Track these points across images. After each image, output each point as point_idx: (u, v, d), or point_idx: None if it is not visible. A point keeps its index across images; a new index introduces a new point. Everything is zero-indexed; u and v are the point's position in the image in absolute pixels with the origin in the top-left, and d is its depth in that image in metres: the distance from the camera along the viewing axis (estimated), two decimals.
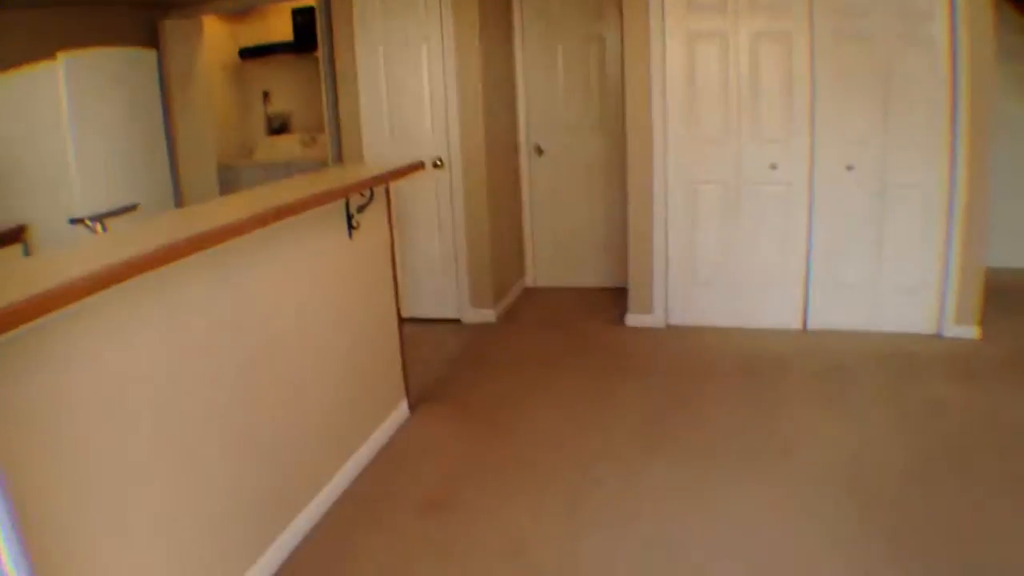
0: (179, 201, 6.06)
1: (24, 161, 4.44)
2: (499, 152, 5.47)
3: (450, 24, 4.99)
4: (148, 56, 4.84)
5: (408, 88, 5.19)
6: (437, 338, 5.14)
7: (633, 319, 5.11)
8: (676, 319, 5.07)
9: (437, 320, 5.46)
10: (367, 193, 3.44)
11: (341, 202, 3.33)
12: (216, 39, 7.34)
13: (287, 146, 7.48)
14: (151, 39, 6.12)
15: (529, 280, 6.14)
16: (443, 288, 5.45)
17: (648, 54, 4.77)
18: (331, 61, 5.45)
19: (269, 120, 7.78)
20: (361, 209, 3.45)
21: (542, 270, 6.13)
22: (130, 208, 4.63)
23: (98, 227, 2.83)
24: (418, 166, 3.72)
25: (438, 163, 5.18)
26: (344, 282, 3.42)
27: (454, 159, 5.18)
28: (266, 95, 7.75)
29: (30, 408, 1.74)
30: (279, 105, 7.73)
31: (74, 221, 4.32)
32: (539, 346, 4.91)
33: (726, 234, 4.92)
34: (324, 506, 3.12)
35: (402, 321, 3.98)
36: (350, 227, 3.42)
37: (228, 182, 7.19)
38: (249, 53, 7.41)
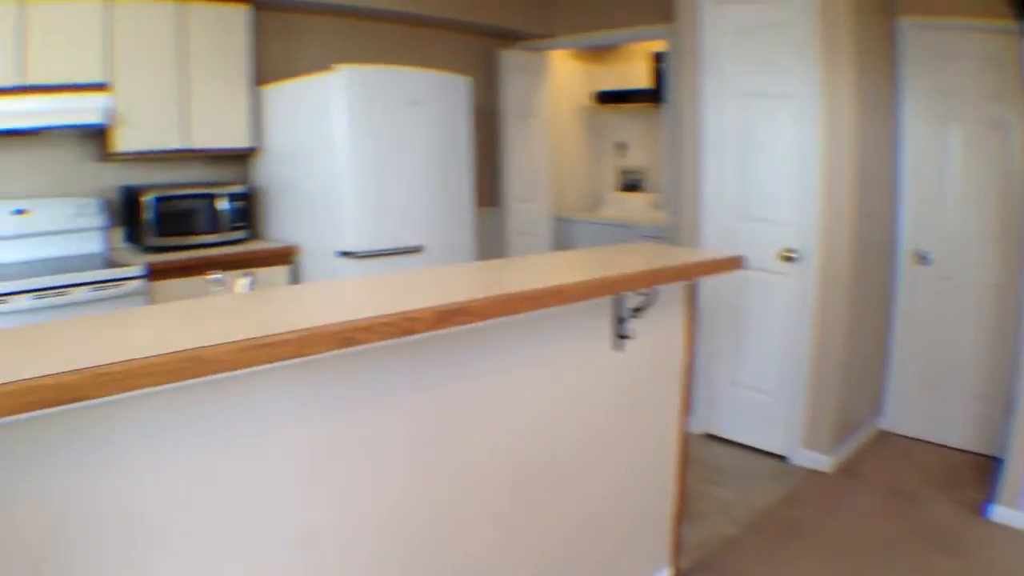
0: (485, 250, 5.55)
1: (300, 177, 4.21)
2: (869, 252, 4.12)
3: (817, 81, 3.80)
4: (456, 83, 4.34)
5: (760, 156, 4.08)
6: (747, 477, 3.95)
7: (999, 512, 3.51)
8: None
9: (755, 450, 4.28)
10: (648, 292, 2.48)
11: (607, 300, 2.41)
12: (571, 78, 6.84)
13: (636, 206, 6.73)
14: (488, 68, 5.76)
15: (885, 421, 4.64)
16: (769, 412, 4.21)
17: None
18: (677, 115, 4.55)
19: (621, 174, 7.09)
20: (638, 312, 2.50)
21: (904, 412, 4.54)
22: (412, 250, 4.14)
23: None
24: (729, 263, 2.65)
25: (789, 255, 4.02)
26: (600, 404, 2.49)
27: (808, 252, 3.95)
28: (621, 146, 7.07)
29: None
30: (635, 159, 7.01)
31: (342, 253, 3.91)
32: (874, 523, 3.50)
33: None
34: None
35: (685, 464, 2.93)
36: (619, 335, 2.48)
37: (561, 236, 6.61)
38: (606, 98, 6.80)
